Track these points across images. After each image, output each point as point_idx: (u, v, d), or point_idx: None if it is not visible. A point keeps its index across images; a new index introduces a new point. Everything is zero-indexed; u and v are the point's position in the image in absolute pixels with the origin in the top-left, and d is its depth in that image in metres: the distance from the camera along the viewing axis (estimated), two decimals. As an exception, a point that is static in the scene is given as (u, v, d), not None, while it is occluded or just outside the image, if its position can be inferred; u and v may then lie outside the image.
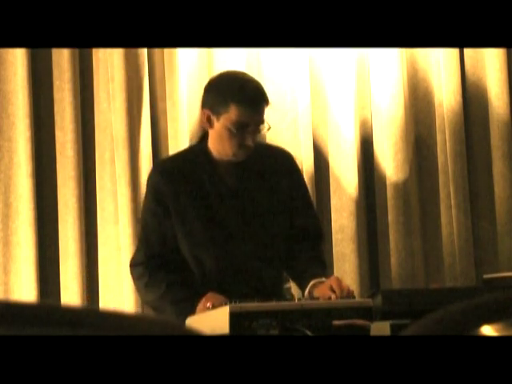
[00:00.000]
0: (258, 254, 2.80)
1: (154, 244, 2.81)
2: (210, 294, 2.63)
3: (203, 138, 2.84)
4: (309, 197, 3.02)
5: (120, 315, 0.99)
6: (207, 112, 2.72)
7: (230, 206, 2.79)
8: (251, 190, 2.81)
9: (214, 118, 2.71)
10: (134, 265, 2.88)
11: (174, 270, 2.82)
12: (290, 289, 3.13)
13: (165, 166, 2.87)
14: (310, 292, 2.69)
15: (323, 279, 2.70)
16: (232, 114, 2.66)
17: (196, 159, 2.81)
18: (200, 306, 2.61)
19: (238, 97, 2.66)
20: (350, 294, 2.58)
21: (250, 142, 2.68)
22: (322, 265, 2.88)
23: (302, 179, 3.03)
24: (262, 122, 2.71)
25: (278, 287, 2.87)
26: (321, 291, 2.63)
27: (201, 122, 2.82)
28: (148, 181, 2.89)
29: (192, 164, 2.81)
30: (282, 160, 2.92)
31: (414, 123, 4.02)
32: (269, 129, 2.77)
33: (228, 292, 2.65)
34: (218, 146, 2.75)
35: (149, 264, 2.81)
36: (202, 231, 2.77)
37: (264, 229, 2.81)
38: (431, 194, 4.01)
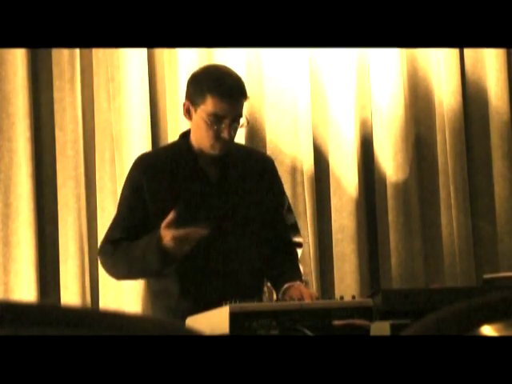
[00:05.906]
0: (235, 255, 2.78)
1: (124, 230, 2.75)
2: (164, 232, 2.54)
3: (187, 132, 2.83)
4: (288, 202, 3.01)
5: (120, 315, 0.98)
6: (187, 103, 2.73)
7: (209, 200, 2.76)
8: (232, 185, 2.80)
9: (192, 110, 2.72)
10: (101, 245, 2.82)
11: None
12: (265, 293, 3.05)
13: (145, 160, 2.84)
14: (283, 294, 2.72)
15: (297, 282, 2.74)
16: (208, 105, 2.66)
17: (178, 153, 2.80)
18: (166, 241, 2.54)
19: (214, 88, 2.66)
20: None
21: (225, 135, 2.67)
22: (297, 270, 2.90)
23: (281, 184, 3.01)
24: (239, 115, 2.70)
25: (254, 288, 2.81)
26: (293, 293, 2.66)
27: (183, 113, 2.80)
28: (128, 173, 2.86)
29: (174, 157, 2.80)
30: (263, 164, 2.93)
31: (414, 123, 4.02)
32: (248, 123, 2.77)
33: (203, 292, 2.65)
34: (197, 137, 2.74)
35: (118, 243, 2.74)
36: (180, 225, 2.64)
37: (242, 227, 2.79)
38: (431, 194, 4.01)
